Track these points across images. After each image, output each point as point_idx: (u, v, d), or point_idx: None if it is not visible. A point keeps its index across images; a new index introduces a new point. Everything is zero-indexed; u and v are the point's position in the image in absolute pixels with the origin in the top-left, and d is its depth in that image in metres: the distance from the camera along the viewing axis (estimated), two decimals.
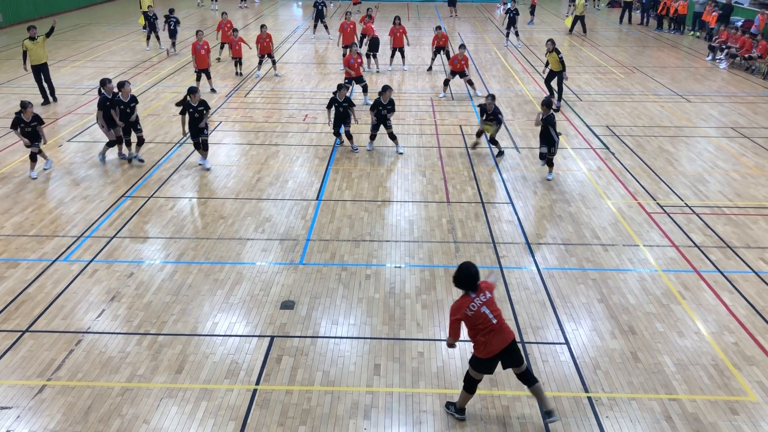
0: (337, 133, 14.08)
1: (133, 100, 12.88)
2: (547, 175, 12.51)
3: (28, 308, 8.31)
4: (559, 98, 17.32)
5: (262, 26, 19.90)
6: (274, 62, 20.50)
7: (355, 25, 20.95)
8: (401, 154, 13.74)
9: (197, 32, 18.01)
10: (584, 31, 28.10)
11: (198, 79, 18.09)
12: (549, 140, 12.18)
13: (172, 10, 23.69)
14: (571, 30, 28.65)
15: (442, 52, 20.46)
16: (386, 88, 13.45)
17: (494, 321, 6.10)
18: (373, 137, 13.97)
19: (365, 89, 17.38)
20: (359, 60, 17.26)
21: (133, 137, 13.25)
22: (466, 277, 6.14)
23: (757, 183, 12.33)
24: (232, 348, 7.58)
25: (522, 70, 21.64)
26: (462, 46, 17.88)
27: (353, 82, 17.39)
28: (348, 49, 18.40)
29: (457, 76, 18.02)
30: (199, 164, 12.96)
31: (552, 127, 12.10)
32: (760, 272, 9.24)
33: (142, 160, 13.21)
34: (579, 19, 27.91)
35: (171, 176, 12.52)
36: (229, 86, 19.18)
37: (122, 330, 7.89)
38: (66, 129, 15.20)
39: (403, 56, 21.41)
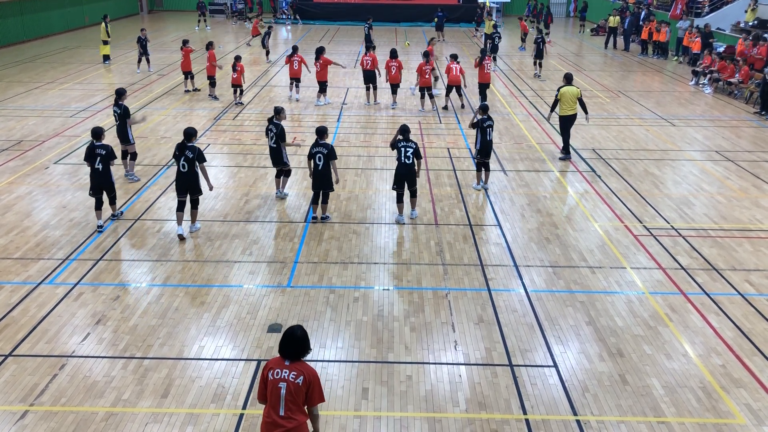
0: (315, 200, 11.73)
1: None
2: (484, 184, 13.17)
3: (12, 332, 8.19)
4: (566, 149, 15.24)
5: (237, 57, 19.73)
6: (241, 92, 20.00)
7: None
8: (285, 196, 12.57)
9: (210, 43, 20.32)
10: (493, 50, 27.43)
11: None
12: (488, 148, 12.82)
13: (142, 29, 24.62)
14: (484, 48, 28.72)
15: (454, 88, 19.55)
16: (279, 110, 12.33)
17: (281, 412, 5.13)
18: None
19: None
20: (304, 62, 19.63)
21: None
22: (285, 339, 5.22)
23: (741, 206, 12.46)
24: (218, 372, 7.50)
25: (509, 94, 21.86)
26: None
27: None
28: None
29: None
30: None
31: (484, 131, 12.71)
32: (746, 294, 9.30)
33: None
34: (488, 38, 28.53)
35: (158, 198, 12.47)
36: (217, 109, 19.22)
37: (107, 354, 7.79)
38: (53, 151, 15.14)
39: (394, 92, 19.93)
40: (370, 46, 20.82)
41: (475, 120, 12.87)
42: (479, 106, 13.27)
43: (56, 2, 34.25)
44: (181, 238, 10.77)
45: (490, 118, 12.88)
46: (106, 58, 26.38)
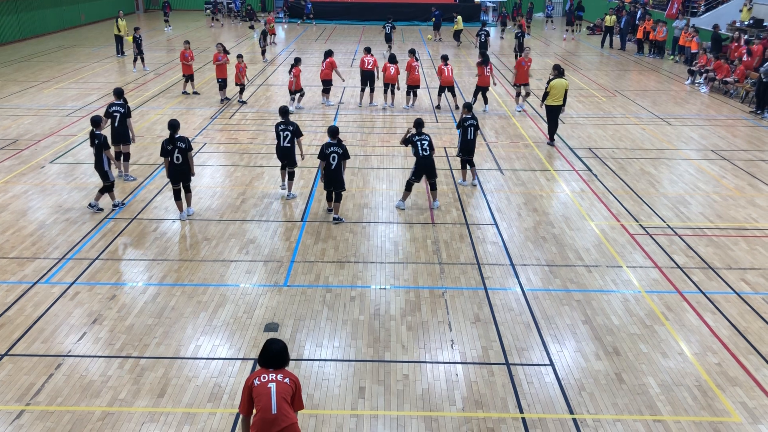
0: (330, 198, 11.73)
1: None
2: (472, 180, 13.31)
3: (7, 331, 8.17)
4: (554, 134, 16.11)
5: (239, 56, 19.63)
6: (241, 90, 19.82)
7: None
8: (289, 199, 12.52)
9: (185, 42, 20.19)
10: (458, 42, 33.07)
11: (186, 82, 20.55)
12: (469, 146, 12.84)
13: (137, 29, 24.53)
14: (458, 43, 33.08)
15: (447, 90, 19.19)
16: (286, 110, 12.38)
17: (273, 410, 5.18)
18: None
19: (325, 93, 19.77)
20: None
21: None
22: (267, 354, 5.38)
23: (737, 204, 12.49)
24: (215, 371, 7.50)
25: (505, 93, 21.86)
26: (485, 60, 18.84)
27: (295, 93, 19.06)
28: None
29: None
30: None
31: (465, 130, 12.72)
32: (741, 293, 9.33)
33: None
34: (458, 33, 32.95)
35: (155, 198, 12.45)
36: (213, 108, 19.19)
37: (103, 353, 7.78)
38: (48, 150, 15.11)
39: (393, 93, 19.72)
40: (390, 45, 20.60)
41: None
42: (464, 104, 13.22)
43: (52, 1, 34.15)
44: (184, 219, 11.48)
45: (473, 118, 12.87)
46: (120, 50, 27.27)
